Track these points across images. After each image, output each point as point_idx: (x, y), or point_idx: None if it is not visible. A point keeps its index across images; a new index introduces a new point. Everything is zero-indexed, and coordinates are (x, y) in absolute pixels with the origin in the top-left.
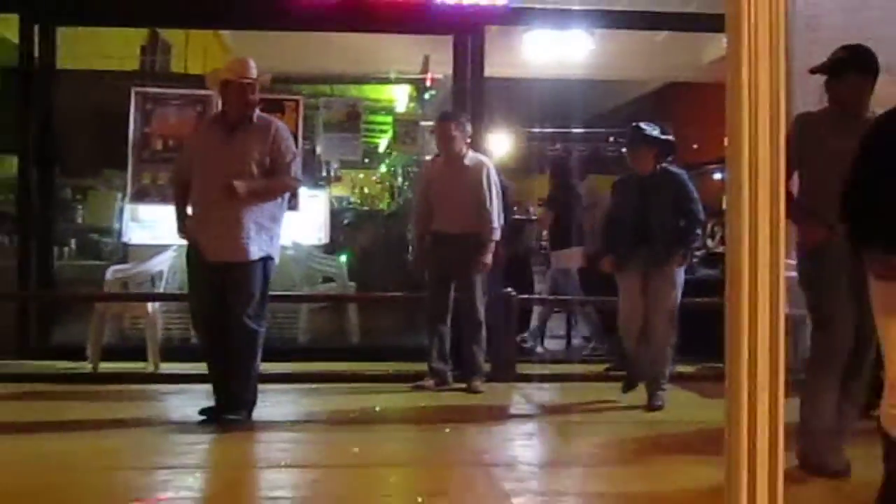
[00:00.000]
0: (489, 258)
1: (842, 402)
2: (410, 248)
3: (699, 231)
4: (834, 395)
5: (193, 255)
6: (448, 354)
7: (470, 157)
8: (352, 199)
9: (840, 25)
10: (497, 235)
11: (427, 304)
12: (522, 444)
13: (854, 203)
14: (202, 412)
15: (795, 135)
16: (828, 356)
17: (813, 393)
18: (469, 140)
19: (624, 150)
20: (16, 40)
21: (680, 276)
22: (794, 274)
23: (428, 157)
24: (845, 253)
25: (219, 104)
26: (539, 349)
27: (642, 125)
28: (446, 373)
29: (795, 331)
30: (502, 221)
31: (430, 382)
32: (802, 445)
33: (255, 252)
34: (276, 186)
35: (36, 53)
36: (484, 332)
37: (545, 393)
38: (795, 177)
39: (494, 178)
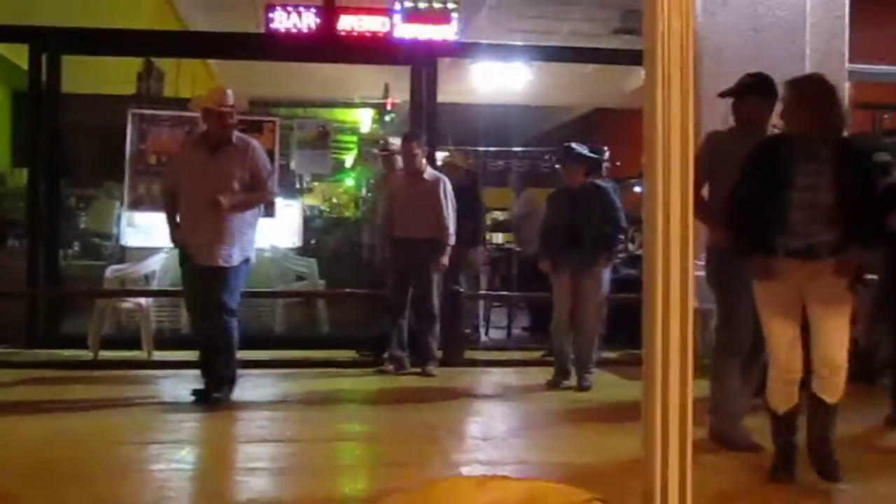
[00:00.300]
0: (446, 259)
1: (741, 383)
2: (375, 251)
3: (622, 236)
4: (736, 378)
5: (184, 259)
6: (406, 343)
7: (429, 172)
8: (322, 208)
9: (740, 58)
10: (452, 240)
11: (389, 300)
12: (470, 421)
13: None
14: (193, 393)
15: (706, 150)
16: (731, 344)
17: (719, 376)
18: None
19: (557, 166)
20: (26, 67)
21: (605, 275)
22: (702, 273)
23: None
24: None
25: (202, 125)
26: (484, 338)
27: (573, 145)
28: (404, 359)
29: (703, 322)
30: (455, 228)
31: (390, 367)
32: (711, 420)
33: (237, 258)
34: (255, 199)
35: (44, 79)
36: (438, 324)
37: (489, 376)
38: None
39: (450, 191)
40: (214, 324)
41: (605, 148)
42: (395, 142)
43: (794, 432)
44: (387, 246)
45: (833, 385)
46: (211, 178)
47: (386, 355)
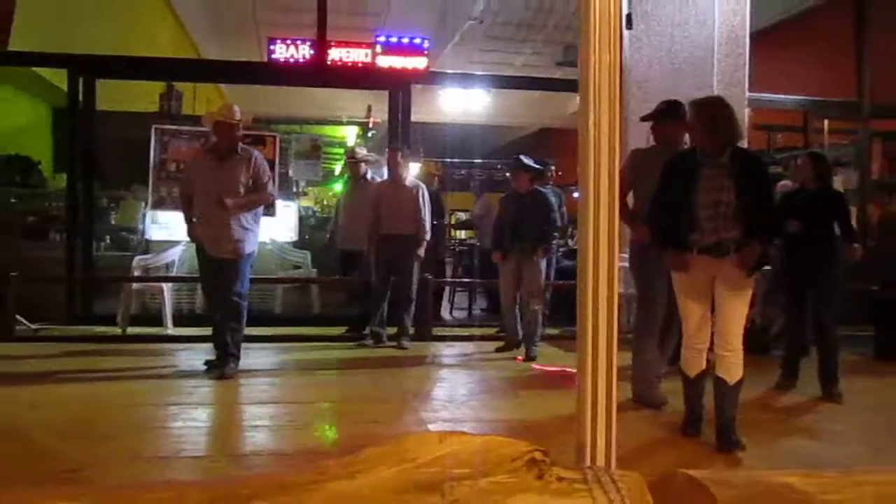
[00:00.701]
0: (422, 252)
1: (658, 354)
2: (334, 241)
3: (557, 233)
4: (654, 350)
5: (200, 251)
6: (385, 321)
7: (409, 179)
8: (314, 209)
9: (660, 87)
10: (428, 236)
11: (374, 285)
12: (436, 386)
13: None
14: (206, 363)
15: (630, 164)
16: (649, 322)
17: (640, 348)
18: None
19: (508, 174)
20: (65, 88)
21: (543, 265)
22: (625, 264)
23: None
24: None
25: (212, 138)
26: (449, 317)
27: (522, 156)
28: (382, 335)
29: (627, 305)
30: (431, 225)
31: (369, 342)
32: (633, 385)
33: (245, 250)
34: (257, 200)
35: (80, 98)
36: (413, 306)
37: (453, 349)
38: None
39: (426, 195)
40: (226, 306)
41: (550, 160)
42: (362, 151)
43: (701, 394)
44: (372, 241)
45: (732, 366)
46: (220, 183)
47: (367, 331)
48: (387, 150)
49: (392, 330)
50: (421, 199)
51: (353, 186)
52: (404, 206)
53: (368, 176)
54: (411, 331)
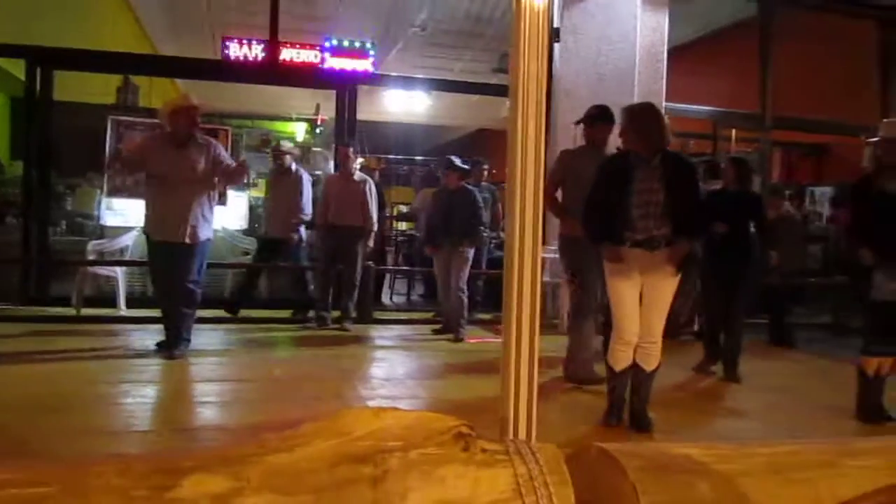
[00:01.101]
0: (371, 241)
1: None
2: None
3: (483, 228)
4: (588, 332)
5: (149, 238)
6: (329, 305)
7: (357, 173)
8: (263, 199)
9: (587, 95)
10: (375, 227)
11: (320, 272)
12: (375, 365)
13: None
14: (157, 344)
15: (560, 164)
16: (584, 308)
17: (574, 330)
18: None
19: (439, 173)
20: (23, 78)
21: (470, 254)
22: (550, 255)
23: (317, 172)
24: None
25: (167, 128)
26: (389, 302)
27: (452, 157)
28: (327, 318)
29: (552, 292)
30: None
31: (314, 324)
32: (567, 365)
33: (201, 236)
34: (237, 172)
35: (38, 88)
36: (357, 291)
37: (392, 331)
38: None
39: (373, 189)
40: (180, 291)
41: (483, 160)
42: (287, 144)
43: (625, 387)
44: (322, 230)
45: (652, 356)
46: (179, 169)
47: (311, 314)
48: (334, 146)
49: (336, 313)
50: (369, 193)
51: (277, 178)
52: (353, 198)
53: (293, 168)
54: (353, 314)
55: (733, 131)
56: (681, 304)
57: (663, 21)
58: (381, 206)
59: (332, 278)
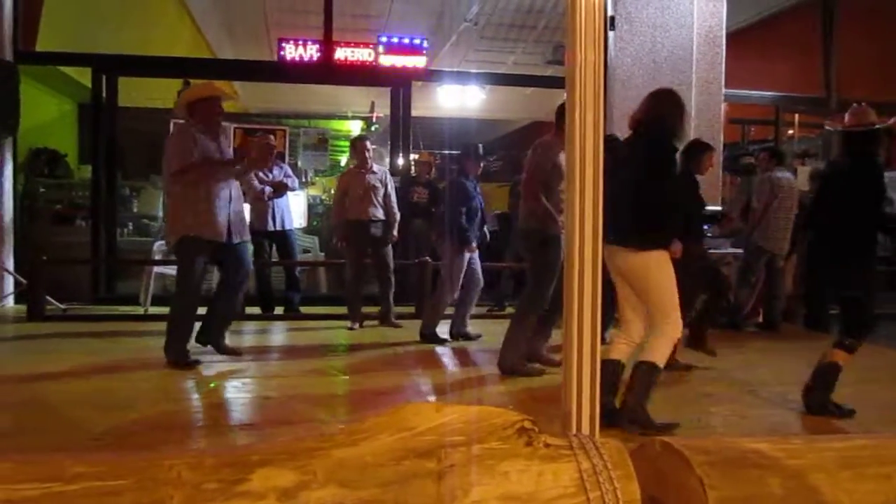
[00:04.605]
0: (395, 233)
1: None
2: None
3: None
4: (531, 326)
5: (197, 243)
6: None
7: (375, 166)
8: (322, 197)
9: (643, 84)
10: (398, 217)
11: (351, 270)
12: (434, 359)
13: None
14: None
15: (546, 156)
16: (535, 302)
17: (518, 322)
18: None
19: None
20: (90, 85)
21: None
22: None
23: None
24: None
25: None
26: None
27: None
28: (360, 315)
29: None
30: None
31: (355, 325)
32: (501, 351)
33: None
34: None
35: (104, 94)
36: (393, 286)
37: (448, 325)
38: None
39: (391, 180)
40: (244, 282)
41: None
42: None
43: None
44: (339, 225)
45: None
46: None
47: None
48: (389, 143)
49: (374, 309)
50: (390, 185)
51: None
52: (374, 192)
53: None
54: (411, 310)
55: (796, 116)
56: (745, 294)
57: (721, 5)
58: (438, 202)
59: (363, 275)
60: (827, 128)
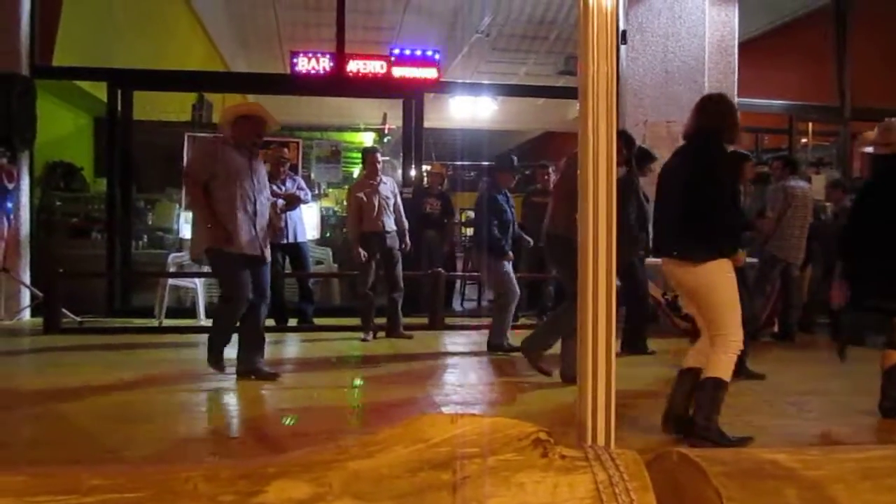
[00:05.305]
0: (407, 242)
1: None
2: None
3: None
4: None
5: (228, 257)
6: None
7: (383, 177)
8: (335, 209)
9: (655, 94)
10: (407, 226)
11: (359, 280)
12: (448, 371)
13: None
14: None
15: (573, 170)
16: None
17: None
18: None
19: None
20: (105, 99)
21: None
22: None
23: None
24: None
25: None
26: (459, 307)
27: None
28: (374, 327)
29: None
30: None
31: (368, 338)
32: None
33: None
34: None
35: (119, 108)
36: (401, 299)
37: (462, 337)
38: None
39: (397, 190)
40: (264, 301)
41: (546, 162)
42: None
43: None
44: (357, 238)
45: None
46: (257, 181)
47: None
48: (401, 154)
49: (381, 320)
50: (398, 195)
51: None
52: (385, 203)
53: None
54: (424, 321)
55: (810, 125)
56: (760, 305)
57: (733, 14)
58: (450, 213)
59: (376, 286)
60: (865, 150)
